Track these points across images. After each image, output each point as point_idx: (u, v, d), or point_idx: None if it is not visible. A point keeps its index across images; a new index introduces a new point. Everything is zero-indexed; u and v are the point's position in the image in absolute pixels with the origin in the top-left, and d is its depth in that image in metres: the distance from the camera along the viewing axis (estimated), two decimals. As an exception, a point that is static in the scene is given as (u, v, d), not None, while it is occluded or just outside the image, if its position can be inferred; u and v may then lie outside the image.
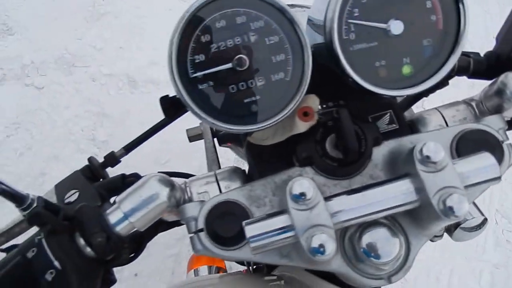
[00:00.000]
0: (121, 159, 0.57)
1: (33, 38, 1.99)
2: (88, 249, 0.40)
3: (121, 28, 2.09)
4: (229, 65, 0.41)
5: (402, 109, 0.58)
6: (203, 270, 0.86)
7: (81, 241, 0.40)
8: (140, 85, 1.95)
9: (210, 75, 0.41)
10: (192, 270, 0.90)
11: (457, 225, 0.48)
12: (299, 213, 0.37)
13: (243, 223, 0.39)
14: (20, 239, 0.50)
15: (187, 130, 0.71)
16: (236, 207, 0.42)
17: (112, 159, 0.56)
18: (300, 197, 0.37)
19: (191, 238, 0.43)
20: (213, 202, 0.42)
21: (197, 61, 0.41)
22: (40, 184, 1.65)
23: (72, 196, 0.48)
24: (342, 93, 0.47)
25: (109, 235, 0.40)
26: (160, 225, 0.50)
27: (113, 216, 0.42)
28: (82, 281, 0.40)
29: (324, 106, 0.46)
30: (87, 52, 2.01)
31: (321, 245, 0.35)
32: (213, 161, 0.62)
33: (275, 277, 0.51)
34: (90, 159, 0.53)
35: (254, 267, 0.64)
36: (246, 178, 0.49)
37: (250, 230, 0.38)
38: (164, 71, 2.01)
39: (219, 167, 0.62)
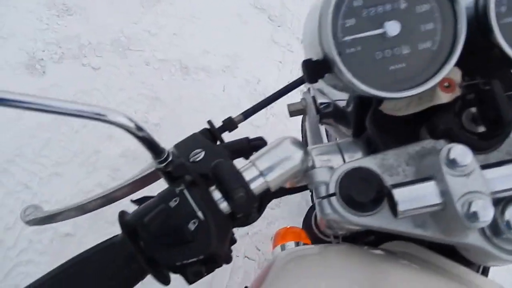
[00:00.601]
0: (238, 125, 0.58)
1: (91, 20, 2.04)
2: (223, 205, 0.41)
3: (176, 15, 2.13)
4: (379, 31, 0.41)
5: None
6: (290, 246, 0.87)
7: (218, 196, 0.41)
8: (192, 71, 1.98)
9: (358, 40, 0.41)
10: (279, 245, 0.91)
11: None
12: (455, 179, 0.37)
13: (389, 185, 0.39)
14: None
15: (288, 105, 0.72)
16: (370, 174, 0.42)
17: (230, 124, 0.57)
18: (456, 163, 0.37)
19: (318, 202, 0.44)
20: (346, 168, 0.43)
21: (347, 25, 0.41)
22: (94, 162, 1.70)
23: (198, 155, 0.49)
24: (482, 67, 0.46)
25: (247, 191, 0.41)
26: (280, 190, 0.50)
27: (248, 174, 0.42)
28: (219, 234, 0.41)
29: (465, 79, 0.46)
30: (142, 36, 2.05)
31: (478, 212, 0.35)
32: (317, 135, 0.63)
33: (383, 251, 0.50)
34: (210, 122, 0.54)
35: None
36: (367, 150, 0.50)
37: (399, 193, 0.38)
38: (215, 60, 2.07)
39: (322, 142, 0.62)
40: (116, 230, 0.41)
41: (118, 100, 1.84)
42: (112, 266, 0.39)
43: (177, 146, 0.54)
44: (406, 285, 0.42)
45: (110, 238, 0.41)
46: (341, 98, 0.63)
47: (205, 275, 0.42)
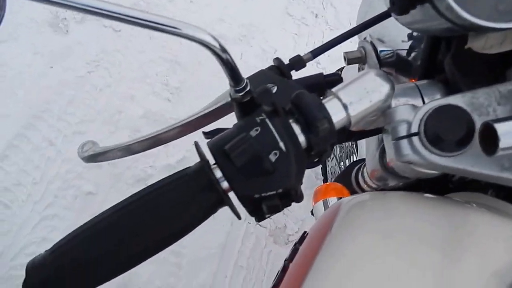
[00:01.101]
0: (306, 64, 0.56)
1: (110, -17, 2.04)
2: (301, 138, 0.39)
3: (193, -19, 2.15)
4: None
5: None
6: (333, 201, 0.89)
7: (297, 128, 0.39)
8: (211, 38, 2.01)
9: None
10: (320, 201, 0.92)
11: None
12: None
13: (489, 121, 0.36)
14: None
15: (346, 53, 0.68)
16: (459, 111, 0.40)
17: (298, 62, 0.55)
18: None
19: (394, 144, 0.42)
20: (433, 105, 0.40)
21: None
22: (116, 121, 1.74)
23: (271, 89, 0.48)
24: None
25: (330, 124, 0.39)
26: (351, 133, 0.51)
27: (330, 106, 0.40)
28: (298, 168, 0.39)
29: None
30: (160, 2, 2.07)
31: None
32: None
33: (455, 200, 0.48)
34: (279, 59, 0.53)
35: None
36: (446, 91, 0.48)
37: (502, 128, 0.35)
38: (231, 29, 2.11)
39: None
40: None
41: (140, 62, 1.87)
42: (187, 195, 0.38)
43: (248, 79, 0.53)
44: (492, 234, 0.40)
45: (184, 169, 0.39)
46: (402, 47, 0.66)
47: (280, 211, 0.40)
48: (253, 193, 0.37)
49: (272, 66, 0.54)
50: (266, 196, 0.37)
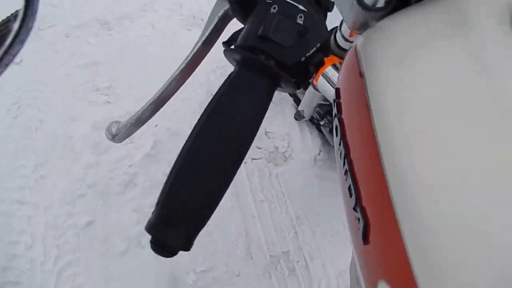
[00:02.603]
0: None
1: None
2: None
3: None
4: None
5: None
6: (330, 71, 0.93)
7: None
8: (114, 25, 1.94)
9: None
10: (320, 76, 0.95)
11: None
12: None
13: None
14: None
15: None
16: None
17: None
18: None
19: None
20: None
21: None
22: (72, 147, 1.67)
23: None
24: None
25: None
26: None
27: None
28: (321, 21, 0.43)
29: None
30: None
31: None
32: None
33: None
34: None
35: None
36: None
37: None
38: (132, 4, 2.03)
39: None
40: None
41: (57, 81, 1.78)
42: (248, 91, 0.40)
43: None
44: None
45: (230, 75, 0.42)
46: None
47: (323, 64, 0.44)
48: (300, 56, 0.41)
49: None
50: (310, 55, 0.42)
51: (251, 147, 0.41)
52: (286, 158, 1.62)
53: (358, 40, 0.45)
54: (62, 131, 1.69)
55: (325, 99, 1.30)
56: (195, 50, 0.53)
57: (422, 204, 0.30)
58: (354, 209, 0.37)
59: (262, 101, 0.41)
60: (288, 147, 1.64)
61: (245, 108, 0.40)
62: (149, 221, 0.39)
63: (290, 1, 0.41)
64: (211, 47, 0.54)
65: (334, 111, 0.46)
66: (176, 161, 0.40)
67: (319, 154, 1.64)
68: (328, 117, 1.41)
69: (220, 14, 0.52)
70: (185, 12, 2.08)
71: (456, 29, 0.37)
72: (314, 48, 0.42)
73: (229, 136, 0.40)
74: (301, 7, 0.41)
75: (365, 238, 0.35)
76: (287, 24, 0.40)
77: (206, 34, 0.53)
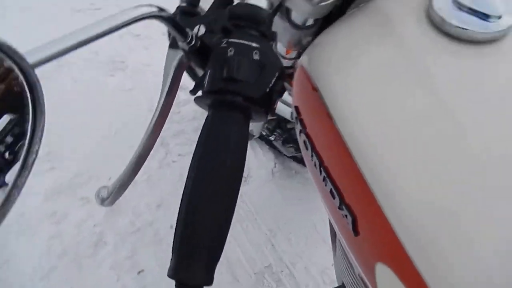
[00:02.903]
0: None
1: None
2: (256, 32, 0.46)
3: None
4: None
5: None
6: None
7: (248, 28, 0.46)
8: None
9: None
10: None
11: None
12: None
13: None
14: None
15: None
16: None
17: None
18: None
19: None
20: None
21: None
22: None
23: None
24: None
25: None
26: None
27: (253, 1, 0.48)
28: (274, 52, 0.47)
29: None
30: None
31: None
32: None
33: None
34: (178, 7, 0.56)
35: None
36: None
37: None
38: None
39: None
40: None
41: None
42: (225, 129, 0.43)
43: None
44: None
45: (206, 119, 0.44)
46: None
47: (285, 90, 0.48)
48: (265, 87, 0.44)
49: (177, 10, 0.57)
50: (273, 85, 0.45)
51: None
52: (245, 178, 1.68)
53: (303, 59, 0.49)
54: (12, 210, 1.61)
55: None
56: (160, 104, 0.56)
57: (398, 188, 0.35)
58: (340, 208, 0.42)
59: (241, 132, 0.44)
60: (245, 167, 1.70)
61: (228, 144, 0.43)
62: (170, 267, 0.41)
63: (243, 42, 0.44)
64: (175, 96, 0.57)
65: (299, 127, 0.49)
66: (180, 210, 0.42)
67: (275, 166, 1.72)
68: (278, 131, 1.49)
69: (175, 63, 0.55)
70: (103, 59, 2.07)
71: (385, 30, 0.43)
72: (274, 78, 0.45)
73: (224, 171, 0.42)
74: (254, 44, 0.45)
75: (355, 230, 0.41)
76: (247, 62, 0.43)
77: (167, 86, 0.56)
